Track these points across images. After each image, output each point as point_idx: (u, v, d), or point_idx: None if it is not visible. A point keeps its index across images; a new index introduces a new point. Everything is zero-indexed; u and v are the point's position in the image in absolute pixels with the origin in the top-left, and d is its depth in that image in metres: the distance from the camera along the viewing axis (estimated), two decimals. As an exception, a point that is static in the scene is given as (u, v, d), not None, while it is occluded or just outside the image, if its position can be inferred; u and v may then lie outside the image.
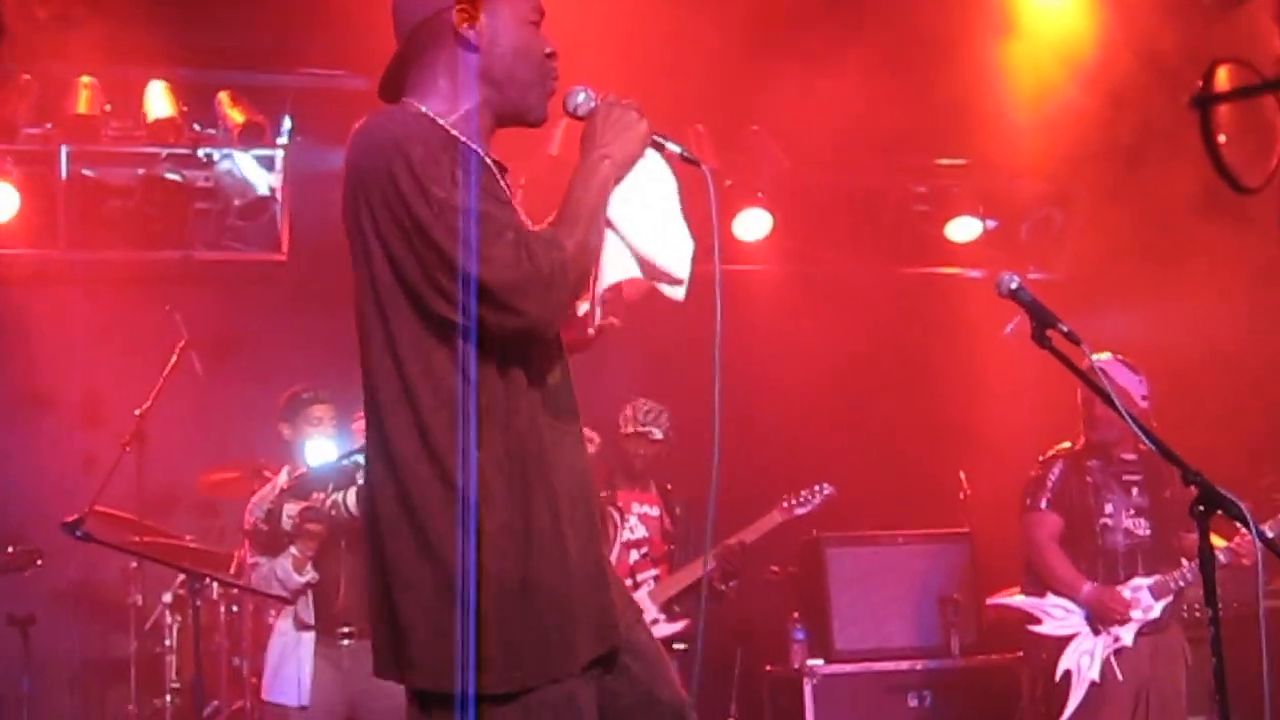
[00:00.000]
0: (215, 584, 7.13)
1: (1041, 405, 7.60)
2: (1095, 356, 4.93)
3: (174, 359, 7.65)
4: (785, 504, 7.59)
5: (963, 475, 8.63)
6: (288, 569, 6.35)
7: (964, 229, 9.36)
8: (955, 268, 9.50)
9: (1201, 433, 5.48)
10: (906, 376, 9.35)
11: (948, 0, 7.63)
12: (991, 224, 9.39)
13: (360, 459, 6.18)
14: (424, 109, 3.27)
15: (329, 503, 6.34)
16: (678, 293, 3.38)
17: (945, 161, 9.31)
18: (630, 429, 7.43)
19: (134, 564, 7.75)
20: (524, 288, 3.07)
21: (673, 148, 3.42)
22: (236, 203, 8.27)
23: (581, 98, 3.38)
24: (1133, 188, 8.34)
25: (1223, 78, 2.02)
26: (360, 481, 6.11)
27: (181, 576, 6.62)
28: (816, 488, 7.64)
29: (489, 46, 3.30)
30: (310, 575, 6.37)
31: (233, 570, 7.55)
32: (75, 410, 8.55)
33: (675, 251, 3.34)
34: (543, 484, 3.17)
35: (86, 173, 8.05)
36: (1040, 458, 7.03)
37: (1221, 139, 2.01)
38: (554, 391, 3.29)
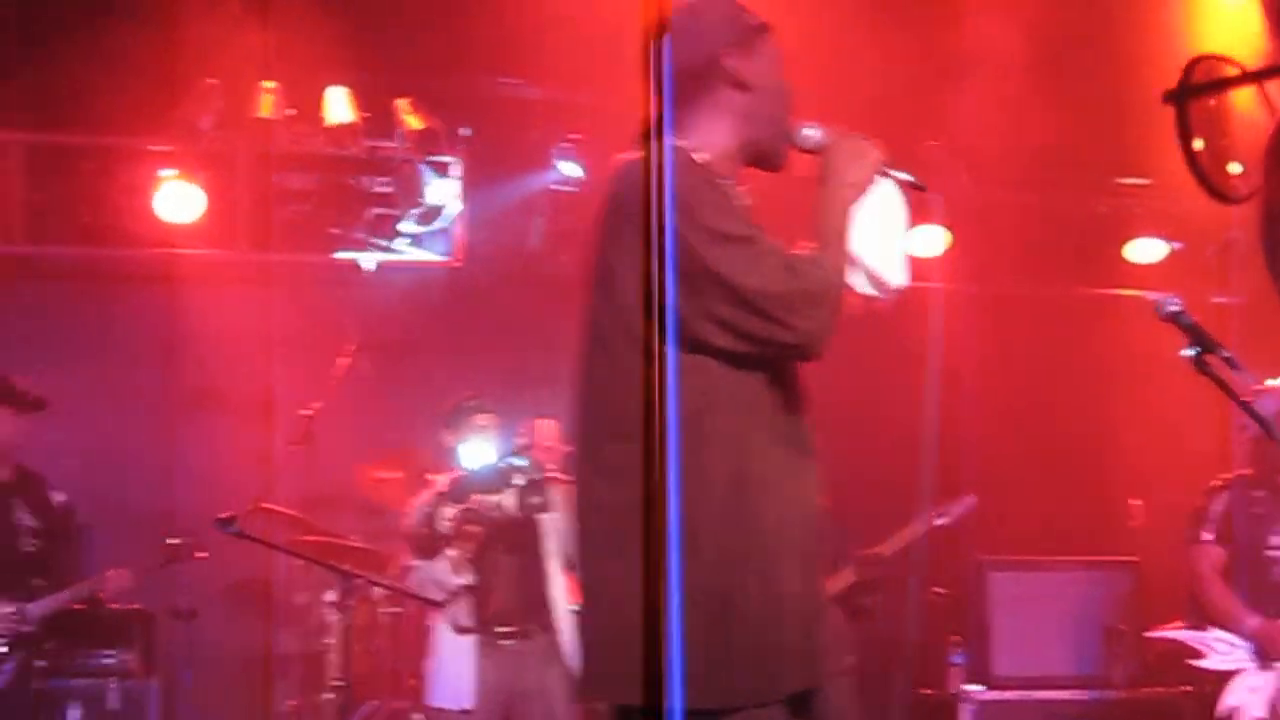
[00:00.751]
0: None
1: (1221, 433, 7.39)
2: (1270, 382, 4.76)
3: (346, 361, 7.75)
4: (926, 515, 7.50)
5: (1135, 503, 8.45)
6: (445, 571, 6.39)
7: (1146, 250, 9.20)
8: (1136, 289, 9.30)
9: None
10: (1082, 400, 9.16)
11: (1129, 15, 7.48)
12: (1177, 245, 9.20)
13: (514, 461, 6.24)
14: (683, 145, 3.34)
15: (486, 505, 6.38)
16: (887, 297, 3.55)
17: (1127, 181, 9.13)
18: None
19: (300, 561, 7.84)
20: (795, 302, 3.21)
21: (897, 173, 3.54)
22: (413, 209, 8.38)
23: (813, 132, 3.51)
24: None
25: (1222, 71, 1.91)
26: (515, 483, 6.19)
27: (344, 576, 6.66)
28: (959, 499, 7.54)
29: (759, 89, 3.44)
30: (468, 577, 6.40)
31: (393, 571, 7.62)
32: (249, 408, 8.68)
33: (894, 265, 3.51)
34: (763, 513, 3.22)
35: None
36: (1204, 488, 6.87)
37: (1197, 144, 1.91)
38: (788, 423, 3.35)
